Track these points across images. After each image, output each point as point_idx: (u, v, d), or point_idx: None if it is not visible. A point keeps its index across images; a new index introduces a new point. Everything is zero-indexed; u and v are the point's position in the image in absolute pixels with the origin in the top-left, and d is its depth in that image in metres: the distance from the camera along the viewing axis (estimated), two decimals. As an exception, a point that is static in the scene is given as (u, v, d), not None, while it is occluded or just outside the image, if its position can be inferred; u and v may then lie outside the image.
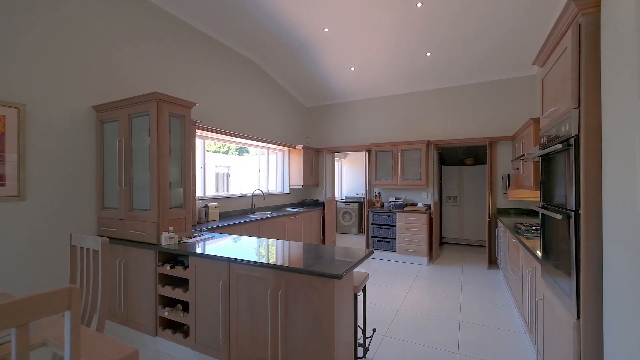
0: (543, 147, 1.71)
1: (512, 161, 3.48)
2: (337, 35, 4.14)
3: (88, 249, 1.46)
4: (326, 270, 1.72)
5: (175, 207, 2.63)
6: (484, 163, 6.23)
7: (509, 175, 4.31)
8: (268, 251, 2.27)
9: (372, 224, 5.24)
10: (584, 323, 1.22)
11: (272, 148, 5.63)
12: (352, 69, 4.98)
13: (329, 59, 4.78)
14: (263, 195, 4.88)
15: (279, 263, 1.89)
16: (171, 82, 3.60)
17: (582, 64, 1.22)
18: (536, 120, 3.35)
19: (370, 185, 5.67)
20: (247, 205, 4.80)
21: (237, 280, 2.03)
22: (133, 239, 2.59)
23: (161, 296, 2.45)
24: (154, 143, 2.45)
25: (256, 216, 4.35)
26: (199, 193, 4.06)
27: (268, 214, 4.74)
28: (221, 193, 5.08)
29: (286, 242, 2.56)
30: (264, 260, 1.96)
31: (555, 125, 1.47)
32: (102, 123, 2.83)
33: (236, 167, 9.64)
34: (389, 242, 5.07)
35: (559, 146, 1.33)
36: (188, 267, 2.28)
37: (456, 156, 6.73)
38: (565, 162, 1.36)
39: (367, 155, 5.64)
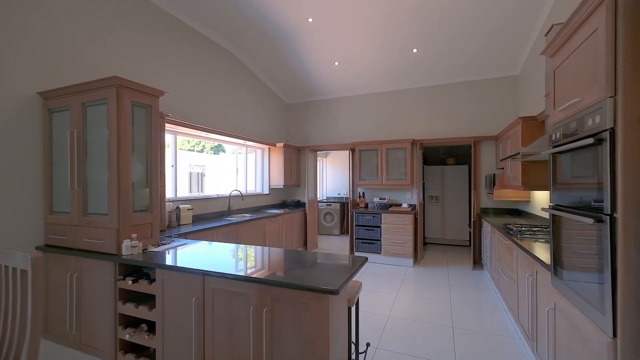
0: (555, 143, 1.57)
1: (500, 160, 3.43)
2: (321, 26, 3.91)
3: (15, 269, 1.12)
4: (320, 283, 1.48)
5: (140, 211, 2.28)
6: (465, 163, 6.26)
7: (494, 175, 4.29)
8: (249, 261, 1.99)
9: (356, 225, 5.06)
10: (622, 342, 1.06)
11: (250, 146, 5.30)
12: (336, 63, 4.77)
13: (312, 52, 4.54)
14: (241, 196, 4.56)
15: (263, 276, 1.62)
16: (138, 70, 3.21)
17: (620, 46, 1.07)
18: (525, 119, 3.31)
19: (354, 185, 5.49)
20: (224, 207, 4.45)
21: (213, 296, 1.74)
22: (88, 249, 2.21)
23: (122, 315, 2.09)
24: (114, 136, 2.09)
25: (234, 219, 4.02)
26: (169, 194, 3.67)
27: (247, 216, 4.41)
28: (195, 194, 4.69)
29: (269, 249, 2.29)
30: (244, 273, 1.69)
31: (577, 118, 1.32)
32: (50, 112, 2.41)
33: (212, 166, 9.17)
34: (373, 243, 4.91)
35: (589, 141, 1.18)
36: (154, 280, 1.95)
37: (437, 156, 6.72)
38: (593, 159, 1.21)
39: (350, 154, 5.46)
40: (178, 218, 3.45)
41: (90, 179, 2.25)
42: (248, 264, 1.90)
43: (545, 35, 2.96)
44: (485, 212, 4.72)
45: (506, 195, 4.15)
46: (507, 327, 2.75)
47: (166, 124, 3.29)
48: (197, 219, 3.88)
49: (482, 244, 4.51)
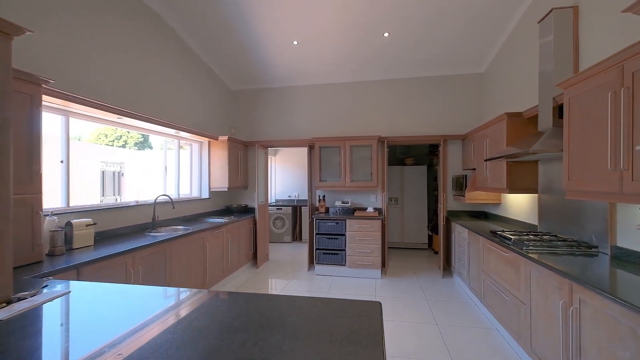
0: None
1: (485, 160, 3.11)
2: (281, -12, 3.12)
3: None
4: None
5: (-33, 243, 1.21)
6: (423, 163, 6.08)
7: (465, 176, 4.03)
8: (190, 337, 1.12)
9: (316, 234, 4.36)
10: None
11: (184, 138, 4.20)
12: (295, 43, 4.01)
13: (266, 25, 3.69)
14: (172, 203, 3.48)
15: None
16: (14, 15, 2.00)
17: None
18: (510, 115, 3.02)
19: (312, 187, 4.80)
20: (148, 218, 3.33)
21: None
22: None
23: None
24: None
25: (161, 234, 2.97)
26: (54, 203, 2.49)
27: (180, 228, 3.38)
28: (110, 200, 3.48)
29: (229, 298, 1.43)
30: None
31: None
32: None
33: (135, 164, 7.48)
34: (337, 254, 4.28)
35: None
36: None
37: (395, 155, 6.44)
38: None
39: (309, 151, 4.75)
40: (69, 240, 2.31)
41: None
42: (197, 347, 1.04)
43: (539, 23, 2.68)
44: (450, 214, 4.47)
45: (478, 198, 3.92)
46: (509, 355, 2.36)
47: (46, 97, 2.14)
48: (105, 237, 2.74)
49: (451, 250, 4.24)
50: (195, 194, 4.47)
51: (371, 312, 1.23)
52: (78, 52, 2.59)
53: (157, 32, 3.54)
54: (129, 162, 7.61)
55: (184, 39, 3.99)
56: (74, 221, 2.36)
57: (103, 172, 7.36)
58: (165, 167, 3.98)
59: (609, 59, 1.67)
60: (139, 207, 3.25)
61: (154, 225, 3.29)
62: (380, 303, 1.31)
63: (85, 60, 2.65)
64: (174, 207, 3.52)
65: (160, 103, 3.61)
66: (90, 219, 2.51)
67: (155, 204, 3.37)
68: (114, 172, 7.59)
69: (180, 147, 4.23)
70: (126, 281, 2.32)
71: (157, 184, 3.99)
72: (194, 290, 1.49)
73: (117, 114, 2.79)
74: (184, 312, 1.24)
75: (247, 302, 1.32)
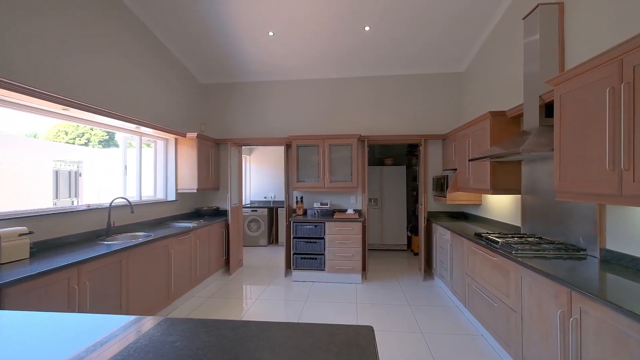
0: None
1: (469, 161, 3.02)
2: (256, -29, 2.85)
3: None
4: None
5: None
6: (402, 164, 6.01)
7: (446, 177, 3.95)
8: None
9: (294, 238, 4.12)
10: None
11: (147, 135, 3.79)
12: (271, 34, 3.74)
13: (239, 12, 3.40)
14: (130, 207, 3.09)
15: None
16: None
17: None
18: (494, 114, 2.95)
19: (289, 187, 4.54)
20: (102, 224, 2.93)
21: None
22: None
23: None
24: None
25: (117, 242, 2.61)
26: (-24, 210, 2.07)
27: (140, 235, 3.02)
28: (66, 203, 3.00)
29: (187, 328, 1.16)
30: None
31: None
32: None
33: (96, 163, 6.76)
34: (316, 259, 4.06)
35: None
36: None
37: (374, 155, 6.33)
38: None
39: (286, 150, 4.49)
40: (-6, 253, 1.91)
41: None
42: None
43: (524, 19, 2.62)
44: (430, 215, 4.40)
45: (459, 199, 3.86)
46: (498, 364, 2.26)
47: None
48: (46, 247, 2.34)
49: (432, 252, 4.16)
50: (160, 196, 4.07)
51: (362, 340, 1.01)
52: (10, 27, 2.17)
53: (117, 17, 3.13)
54: (89, 160, 6.83)
55: (153, 31, 3.59)
56: (1, 230, 1.96)
57: (57, 172, 6.56)
58: (125, 166, 3.56)
59: (606, 53, 1.58)
60: (91, 211, 2.85)
61: (108, 232, 2.89)
62: (372, 328, 1.10)
63: (20, 39, 2.24)
64: (132, 211, 3.13)
65: (119, 94, 3.20)
66: (24, 227, 2.11)
67: (110, 207, 2.97)
68: (69, 172, 6.80)
69: (146, 144, 3.82)
70: (68, 301, 1.96)
71: (120, 185, 3.56)
72: (141, 317, 1.20)
73: (61, 104, 2.39)
74: (124, 353, 0.96)
75: (208, 334, 1.06)
